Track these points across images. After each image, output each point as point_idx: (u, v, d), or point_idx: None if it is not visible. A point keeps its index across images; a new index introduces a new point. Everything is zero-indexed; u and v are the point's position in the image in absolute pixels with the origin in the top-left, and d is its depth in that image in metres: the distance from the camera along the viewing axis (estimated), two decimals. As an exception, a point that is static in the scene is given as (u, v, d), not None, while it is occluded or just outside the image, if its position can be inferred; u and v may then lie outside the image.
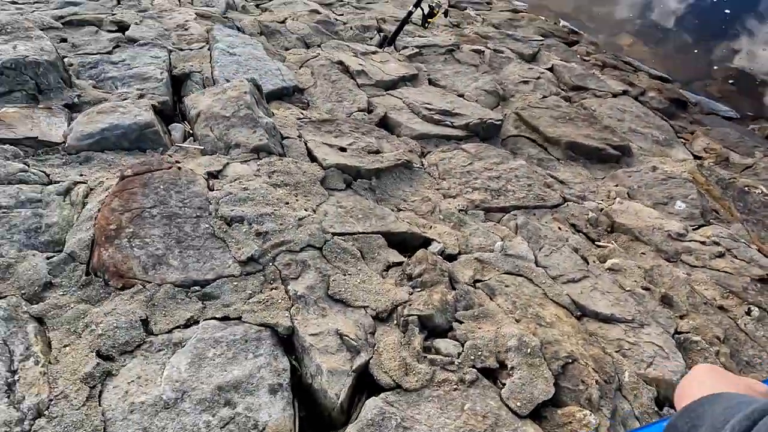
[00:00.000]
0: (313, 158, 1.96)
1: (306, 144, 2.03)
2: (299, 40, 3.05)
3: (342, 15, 3.61)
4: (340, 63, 2.77)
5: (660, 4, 4.93)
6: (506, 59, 3.36)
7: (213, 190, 1.62)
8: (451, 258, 1.66)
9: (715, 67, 3.98)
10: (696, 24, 4.60)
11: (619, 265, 1.76)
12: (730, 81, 3.84)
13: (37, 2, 2.72)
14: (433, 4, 3.27)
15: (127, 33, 2.53)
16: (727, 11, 4.62)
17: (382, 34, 3.41)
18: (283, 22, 3.21)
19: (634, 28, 4.60)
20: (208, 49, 2.61)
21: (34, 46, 2.08)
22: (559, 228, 1.94)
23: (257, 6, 3.50)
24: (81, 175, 1.66)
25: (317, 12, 3.43)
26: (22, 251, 1.36)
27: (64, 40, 2.41)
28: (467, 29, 3.91)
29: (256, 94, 2.15)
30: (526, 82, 3.13)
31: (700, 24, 4.63)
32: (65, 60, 2.23)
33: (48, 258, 1.35)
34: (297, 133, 2.09)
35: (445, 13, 3.32)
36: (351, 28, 3.37)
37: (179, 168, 1.65)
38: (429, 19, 3.28)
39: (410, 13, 3.24)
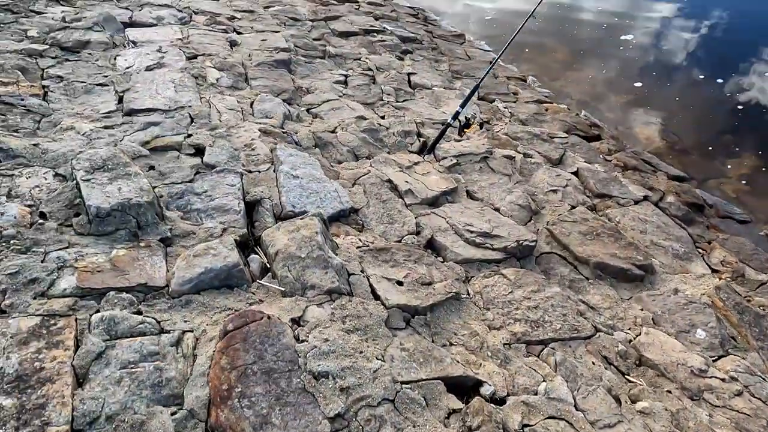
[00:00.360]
0: (376, 296, 2.25)
1: (369, 279, 2.32)
2: (349, 152, 3.37)
3: (384, 117, 3.95)
4: (389, 181, 3.09)
5: (676, 96, 5.25)
6: (535, 165, 3.66)
7: (299, 340, 1.90)
8: (500, 401, 1.91)
9: (729, 166, 4.25)
10: (711, 118, 4.89)
11: (649, 408, 2.00)
12: (743, 181, 4.09)
13: (124, 123, 3.08)
14: (470, 116, 3.60)
15: (204, 159, 2.87)
16: (740, 107, 4.92)
17: (421, 139, 3.74)
18: (333, 131, 3.55)
19: (651, 120, 4.89)
20: (274, 171, 2.94)
21: (135, 186, 2.41)
22: (593, 363, 2.19)
23: (308, 111, 3.85)
24: (186, 321, 1.95)
25: (363, 118, 3.77)
26: (151, 407, 1.64)
27: (152, 168, 2.75)
28: (497, 126, 4.23)
29: (324, 230, 2.45)
30: (554, 191, 3.42)
31: (715, 118, 4.92)
32: (156, 190, 2.56)
33: (172, 414, 1.62)
34: (360, 267, 2.38)
35: (481, 125, 3.65)
36: (393, 134, 3.70)
37: (269, 318, 1.94)
38: (465, 130, 3.61)
39: (448, 125, 3.57)
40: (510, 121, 4.41)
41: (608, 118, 4.94)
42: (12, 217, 2.21)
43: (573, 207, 3.32)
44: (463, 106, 3.59)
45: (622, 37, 6.37)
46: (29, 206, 2.32)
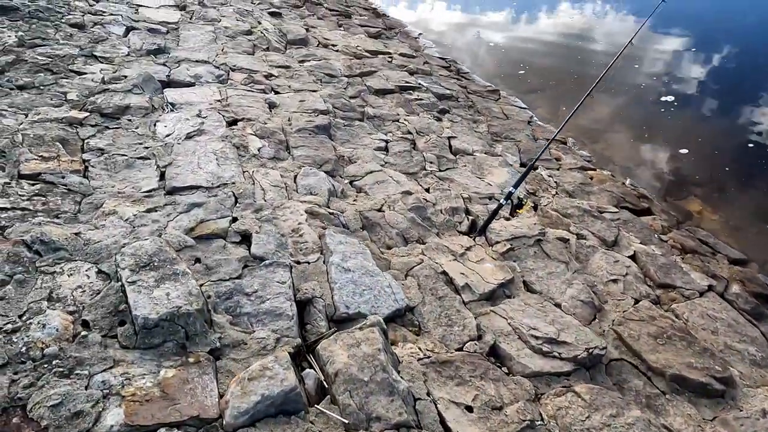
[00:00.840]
0: (446, 428, 2.04)
1: (436, 406, 2.11)
2: (399, 236, 3.21)
3: (429, 190, 3.80)
4: (444, 273, 2.90)
5: (726, 165, 5.06)
6: (591, 248, 3.46)
7: (371, 497, 1.69)
8: None
9: (791, 248, 4.02)
10: (767, 191, 4.69)
11: None
12: (808, 265, 3.86)
13: (167, 205, 2.94)
14: (522, 196, 3.43)
15: (252, 249, 2.71)
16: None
17: (470, 218, 3.57)
18: (380, 210, 3.39)
19: (700, 191, 4.70)
20: (324, 262, 2.77)
21: (183, 290, 2.25)
22: None
23: (352, 184, 3.70)
24: (243, 465, 1.76)
25: (408, 192, 3.62)
26: None
27: (198, 261, 2.59)
28: (544, 198, 4.05)
29: (385, 344, 2.26)
30: (615, 281, 3.22)
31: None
32: (203, 288, 2.39)
33: None
34: (425, 388, 2.18)
35: (535, 207, 3.48)
36: (441, 212, 3.53)
37: (336, 465, 1.74)
38: (517, 210, 3.44)
39: (500, 206, 3.40)
40: (557, 192, 4.23)
41: (655, 188, 4.75)
42: (54, 329, 2.04)
43: (637, 301, 3.11)
44: (516, 186, 3.42)
45: (663, 99, 6.23)
46: (71, 313, 2.16)
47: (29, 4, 5.34)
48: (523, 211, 3.45)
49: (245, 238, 2.84)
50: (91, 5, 5.99)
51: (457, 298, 2.78)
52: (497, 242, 3.33)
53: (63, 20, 5.30)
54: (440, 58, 7.49)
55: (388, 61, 6.59)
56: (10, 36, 4.64)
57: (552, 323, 2.73)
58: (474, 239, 3.38)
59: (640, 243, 3.71)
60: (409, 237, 3.24)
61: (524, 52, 7.98)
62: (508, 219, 3.62)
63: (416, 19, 9.61)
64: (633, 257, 3.54)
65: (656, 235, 3.92)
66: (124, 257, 2.39)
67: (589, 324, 2.86)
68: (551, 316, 2.80)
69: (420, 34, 8.44)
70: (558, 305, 2.93)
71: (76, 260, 2.43)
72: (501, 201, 3.41)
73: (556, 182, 4.44)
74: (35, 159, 3.05)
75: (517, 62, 7.45)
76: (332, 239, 2.92)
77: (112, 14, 5.85)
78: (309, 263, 2.77)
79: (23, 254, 2.36)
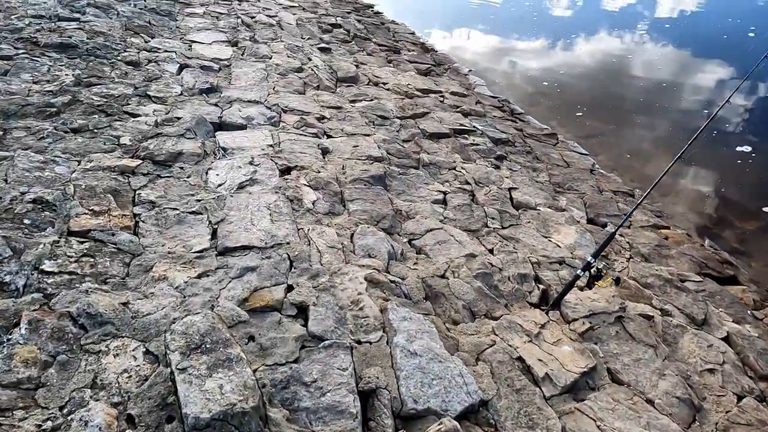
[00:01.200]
0: None
1: None
2: (465, 309, 2.92)
3: (493, 251, 3.50)
4: (520, 359, 2.59)
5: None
6: (679, 328, 3.08)
7: None
8: None
9: None
10: None
11: None
12: None
13: (219, 268, 2.74)
14: (601, 267, 3.10)
15: (309, 326, 2.47)
16: None
17: (541, 287, 3.25)
18: (443, 276, 3.12)
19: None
20: (387, 343, 2.50)
21: (238, 382, 2.01)
22: None
23: (411, 243, 3.44)
24: None
25: (472, 255, 3.33)
26: None
27: (252, 338, 2.36)
28: (618, 263, 3.70)
29: (464, 458, 1.96)
30: (711, 371, 2.83)
31: None
32: (257, 373, 2.15)
33: None
34: None
35: (617, 281, 3.14)
36: (509, 279, 3.23)
37: None
38: (596, 282, 3.10)
39: (577, 277, 3.07)
40: (631, 255, 3.87)
41: (737, 251, 4.32)
42: (97, 428, 1.82)
43: (739, 397, 2.71)
44: (595, 256, 3.09)
45: (738, 149, 5.79)
46: (116, 404, 1.94)
47: (87, 41, 5.38)
48: (603, 283, 3.10)
49: (301, 310, 2.60)
50: (146, 41, 6.02)
51: (536, 391, 2.46)
52: (574, 319, 2.99)
53: (119, 57, 5.31)
54: (492, 97, 7.24)
55: (440, 101, 6.38)
56: (67, 75, 4.63)
57: (647, 428, 2.37)
58: (547, 313, 3.06)
59: (733, 322, 3.31)
60: (476, 310, 2.95)
61: (581, 92, 7.64)
62: (582, 289, 3.28)
63: (463, 53, 9.43)
64: (727, 339, 3.14)
65: (749, 312, 3.50)
66: (174, 337, 2.18)
67: (688, 427, 2.48)
68: (645, 417, 2.44)
69: (470, 70, 8.23)
70: (650, 401, 2.57)
71: (123, 336, 2.23)
72: (578, 272, 3.08)
73: (628, 243, 4.07)
74: (86, 213, 2.91)
75: (573, 103, 7.12)
76: (395, 314, 2.65)
77: (166, 50, 5.85)
78: (371, 343, 2.50)
79: (68, 329, 2.18)
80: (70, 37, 5.36)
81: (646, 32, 11.32)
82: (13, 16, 5.64)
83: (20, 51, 4.89)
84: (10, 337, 2.08)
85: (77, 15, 6.13)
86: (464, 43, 10.39)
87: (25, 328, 2.12)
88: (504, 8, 13.75)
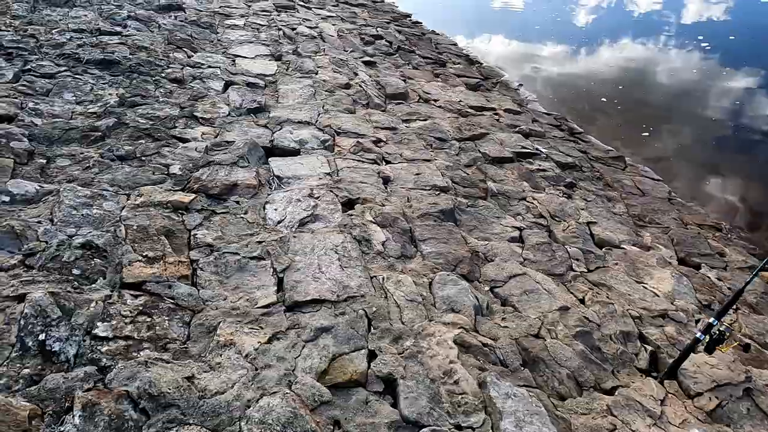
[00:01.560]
0: None
1: None
2: (570, 379, 2.51)
3: (584, 300, 3.10)
4: (650, 452, 2.18)
5: None
6: (817, 404, 2.63)
7: None
8: None
9: None
10: None
11: None
12: None
13: (290, 329, 2.39)
14: (723, 328, 2.66)
15: (401, 409, 2.09)
16: None
17: (648, 348, 2.83)
18: (538, 336, 2.72)
19: None
20: (492, 429, 2.11)
21: (334, 496, 1.64)
22: None
23: (493, 291, 3.06)
24: None
25: (565, 309, 2.93)
26: None
27: (337, 424, 1.99)
28: (726, 316, 3.25)
29: None
30: None
31: None
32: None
33: None
34: None
35: (746, 348, 2.70)
36: (611, 338, 2.82)
37: None
38: (718, 346, 2.66)
39: (697, 341, 2.64)
40: (738, 306, 3.41)
41: None
42: None
43: None
44: (718, 317, 2.66)
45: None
46: None
47: (130, 57, 5.13)
48: (726, 348, 2.66)
49: (388, 383, 2.24)
50: (189, 56, 5.75)
51: (676, 496, 2.05)
52: (698, 393, 2.56)
53: (163, 74, 5.04)
54: (547, 114, 6.81)
55: (496, 120, 5.98)
56: (111, 94, 4.37)
57: None
58: (662, 383, 2.64)
59: None
60: (583, 380, 2.54)
61: (645, 109, 7.13)
62: (695, 351, 2.85)
63: (509, 65, 8.98)
64: None
65: None
66: (252, 428, 1.83)
67: None
68: None
69: (520, 84, 7.80)
70: (809, 507, 2.13)
71: (189, 422, 1.89)
72: (697, 334, 2.64)
73: (729, 289, 3.61)
74: (139, 260, 2.59)
75: (638, 121, 6.64)
76: (497, 390, 2.26)
77: (210, 66, 5.57)
78: (473, 429, 2.11)
79: (128, 416, 1.84)
80: (112, 52, 5.12)
81: (713, 46, 10.57)
82: (54, 30, 5.43)
83: (62, 68, 4.65)
84: (62, 429, 1.75)
85: (119, 29, 5.90)
86: (504, 52, 9.95)
87: (80, 416, 1.79)
88: (543, 15, 13.24)
